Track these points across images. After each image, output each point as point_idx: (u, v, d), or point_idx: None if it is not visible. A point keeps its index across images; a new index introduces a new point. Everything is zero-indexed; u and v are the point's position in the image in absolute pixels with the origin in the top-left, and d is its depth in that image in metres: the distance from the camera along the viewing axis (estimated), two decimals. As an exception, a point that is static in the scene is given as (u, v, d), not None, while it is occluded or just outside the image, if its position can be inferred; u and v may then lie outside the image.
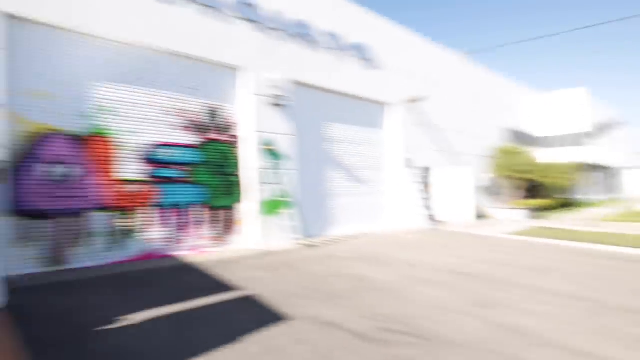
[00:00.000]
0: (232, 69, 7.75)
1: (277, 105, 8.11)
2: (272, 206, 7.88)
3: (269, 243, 7.58)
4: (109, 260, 6.06)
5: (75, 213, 5.83)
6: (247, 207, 7.69)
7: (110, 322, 3.42)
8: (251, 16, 7.86)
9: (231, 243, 7.60)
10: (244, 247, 7.47)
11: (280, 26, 8.35)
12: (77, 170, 5.88)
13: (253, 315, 3.63)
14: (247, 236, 7.58)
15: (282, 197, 7.94)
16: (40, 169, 5.53)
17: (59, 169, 5.70)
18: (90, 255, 5.92)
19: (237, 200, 7.77)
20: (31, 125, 5.47)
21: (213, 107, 7.52)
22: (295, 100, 8.66)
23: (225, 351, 2.81)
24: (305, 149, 9.03)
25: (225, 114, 7.70)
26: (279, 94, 8.08)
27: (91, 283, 4.88)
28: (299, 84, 8.85)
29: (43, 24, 5.61)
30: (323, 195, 9.40)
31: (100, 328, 3.28)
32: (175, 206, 6.92)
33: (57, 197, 5.66)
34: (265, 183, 7.57)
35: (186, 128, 7.13)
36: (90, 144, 6.01)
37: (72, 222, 5.79)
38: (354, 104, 10.40)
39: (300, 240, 8.03)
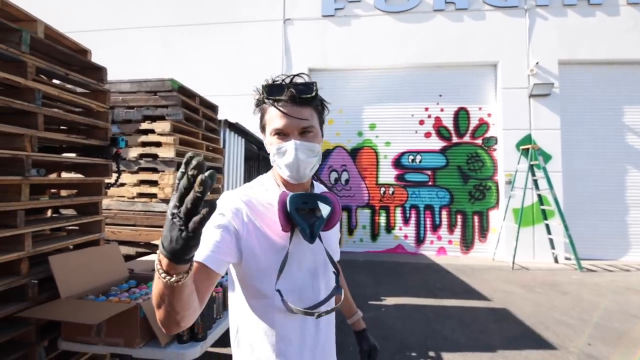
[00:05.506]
0: (484, 67, 7.39)
1: (539, 95, 6.93)
2: (531, 215, 6.80)
3: (524, 257, 6.58)
4: (368, 249, 7.39)
5: (349, 208, 7.56)
6: (501, 215, 7.04)
7: (371, 299, 4.23)
8: (500, 2, 7.20)
9: (479, 250, 7.22)
10: (494, 256, 6.87)
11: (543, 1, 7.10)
12: (352, 176, 7.66)
13: (505, 329, 3.39)
14: (499, 246, 6.91)
15: (545, 205, 6.65)
16: (330, 174, 7.64)
17: (343, 175, 7.62)
18: (356, 243, 7.49)
19: (490, 206, 7.31)
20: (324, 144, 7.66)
21: (461, 110, 7.45)
22: (564, 85, 7.05)
23: (468, 352, 2.83)
24: (583, 145, 7.12)
25: (474, 115, 7.42)
26: (539, 82, 6.87)
27: (358, 265, 6.16)
28: (569, 63, 7.11)
29: (328, 70, 7.69)
30: (615, 205, 7.02)
31: (368, 302, 4.15)
32: (422, 208, 7.44)
33: (340, 195, 7.56)
34: (522, 188, 6.59)
35: (430, 134, 7.49)
36: (360, 155, 7.66)
37: (347, 216, 7.57)
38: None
39: (571, 261, 6.37)
